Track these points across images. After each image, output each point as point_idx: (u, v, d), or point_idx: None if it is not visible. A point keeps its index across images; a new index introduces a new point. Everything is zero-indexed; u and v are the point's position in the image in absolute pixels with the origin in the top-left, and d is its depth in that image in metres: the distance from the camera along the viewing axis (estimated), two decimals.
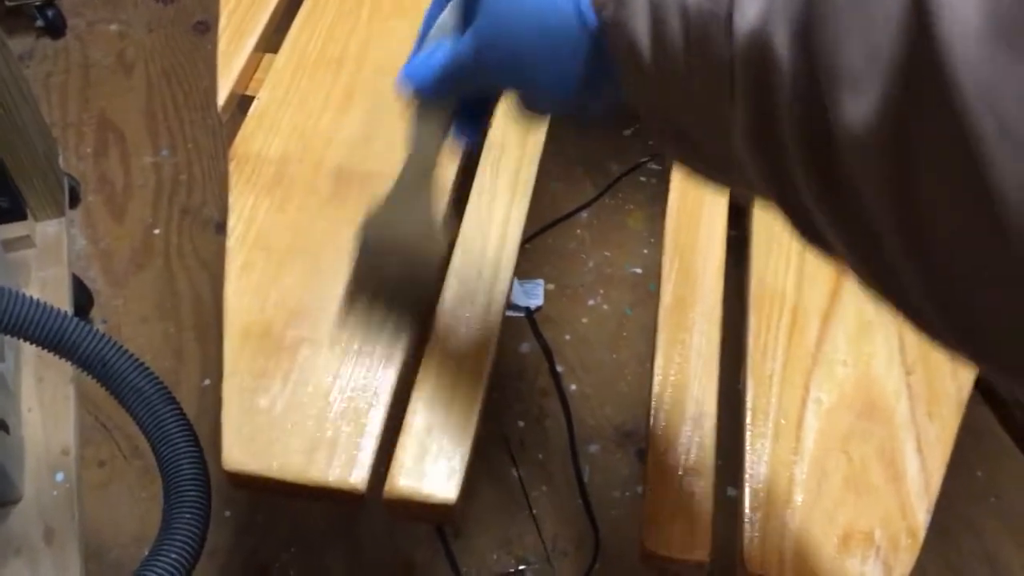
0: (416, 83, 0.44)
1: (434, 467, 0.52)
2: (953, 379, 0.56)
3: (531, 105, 0.41)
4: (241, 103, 0.71)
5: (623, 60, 0.34)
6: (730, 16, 0.29)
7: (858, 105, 0.24)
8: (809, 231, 0.30)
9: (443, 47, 0.43)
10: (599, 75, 0.36)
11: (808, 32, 0.26)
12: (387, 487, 0.52)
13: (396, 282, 0.52)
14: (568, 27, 0.36)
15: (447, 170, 0.65)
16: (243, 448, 0.52)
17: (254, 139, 0.67)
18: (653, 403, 0.56)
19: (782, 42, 0.27)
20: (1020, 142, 0.20)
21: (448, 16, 0.45)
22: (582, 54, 0.36)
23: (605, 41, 0.35)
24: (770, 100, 0.27)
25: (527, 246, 1.21)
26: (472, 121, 0.46)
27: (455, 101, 0.45)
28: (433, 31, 0.45)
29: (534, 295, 1.19)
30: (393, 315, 0.56)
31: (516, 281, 1.17)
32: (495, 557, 1.00)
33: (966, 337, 0.25)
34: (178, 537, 0.61)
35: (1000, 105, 0.21)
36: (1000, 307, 0.23)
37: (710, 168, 0.35)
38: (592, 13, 0.35)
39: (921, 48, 0.22)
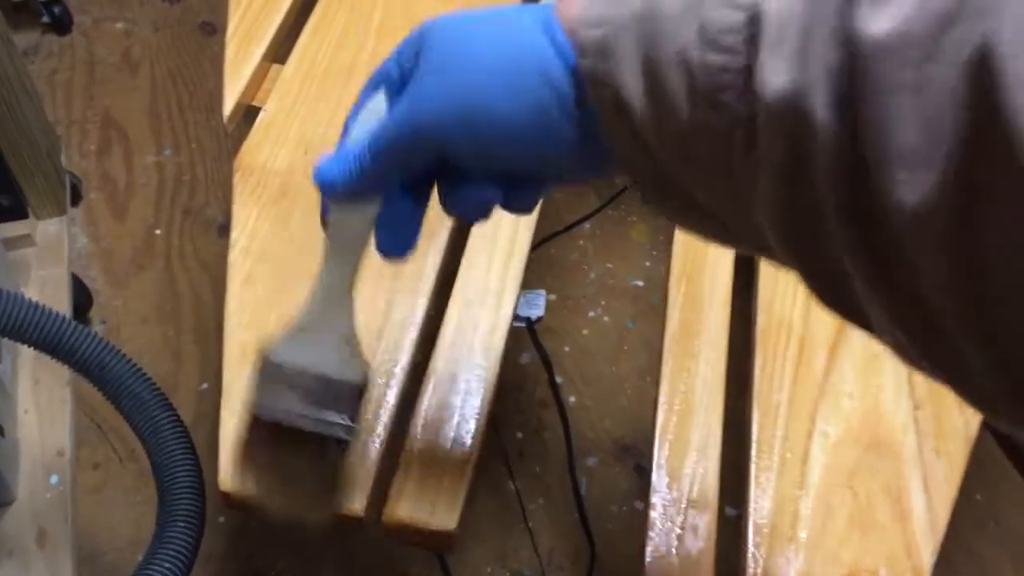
0: (333, 179, 0.37)
1: (434, 494, 0.51)
2: (961, 414, 0.55)
3: (475, 193, 0.35)
4: (248, 113, 0.70)
5: (608, 115, 0.31)
6: (748, 70, 0.27)
7: (917, 183, 0.23)
8: (843, 301, 0.28)
9: (364, 129, 0.37)
10: (590, 129, 0.32)
11: (854, 103, 0.24)
12: (386, 513, 0.51)
13: (314, 421, 0.42)
14: (546, 66, 0.32)
15: None
16: (240, 470, 0.51)
17: (260, 150, 0.66)
18: (657, 432, 0.55)
19: (822, 110, 0.25)
20: None
21: (369, 108, 0.38)
22: (569, 99, 0.32)
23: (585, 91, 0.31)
24: (807, 169, 0.26)
25: (529, 255, 1.20)
26: (402, 227, 0.38)
27: (379, 204, 0.38)
28: (354, 126, 0.38)
29: (535, 305, 1.18)
30: (305, 455, 0.44)
31: None
32: (490, 570, 0.99)
33: None
34: (171, 547, 0.60)
35: None
36: None
37: (714, 229, 0.33)
38: (571, 53, 0.31)
39: (989, 123, 0.21)
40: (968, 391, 0.26)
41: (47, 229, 1.04)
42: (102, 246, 1.21)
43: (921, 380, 0.56)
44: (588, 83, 0.31)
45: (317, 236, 0.64)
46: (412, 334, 0.58)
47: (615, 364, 1.15)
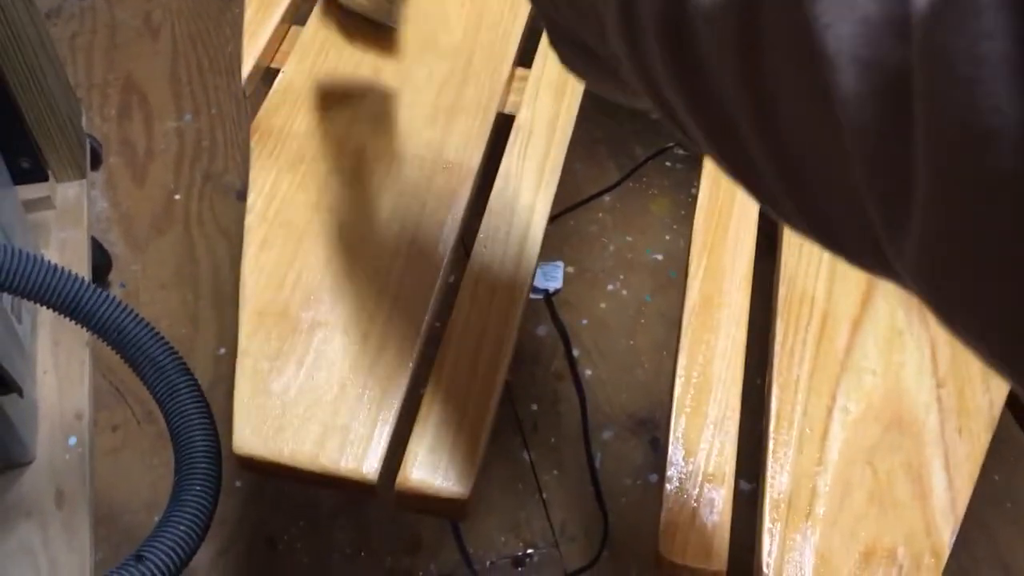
0: None
1: (449, 460, 0.51)
2: (985, 393, 0.54)
3: None
4: (266, 76, 0.70)
5: None
6: None
7: None
8: (678, 127, 0.30)
9: None
10: None
11: None
12: (399, 479, 0.51)
13: None
14: None
15: (472, 155, 0.64)
16: (254, 432, 0.51)
17: (278, 113, 0.66)
18: (674, 405, 0.55)
19: None
20: (857, 18, 0.20)
21: None
22: None
23: None
24: None
25: (548, 227, 1.20)
26: None
27: None
28: None
29: (553, 277, 1.18)
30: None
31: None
32: (503, 540, 0.99)
33: (815, 225, 0.26)
34: (188, 510, 0.60)
35: None
36: (838, 194, 0.23)
37: (604, 75, 0.35)
38: None
39: None
40: (781, 215, 0.27)
41: (67, 192, 1.04)
42: (121, 210, 1.21)
43: (945, 358, 0.56)
44: None
45: (334, 201, 0.63)
46: (429, 301, 0.57)
47: (632, 338, 1.14)
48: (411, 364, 0.55)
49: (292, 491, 1.00)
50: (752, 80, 0.24)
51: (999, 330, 0.20)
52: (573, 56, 0.35)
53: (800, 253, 0.60)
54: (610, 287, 1.18)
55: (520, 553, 0.99)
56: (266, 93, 0.68)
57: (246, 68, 0.68)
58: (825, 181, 0.24)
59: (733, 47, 0.24)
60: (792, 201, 0.26)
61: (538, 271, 1.19)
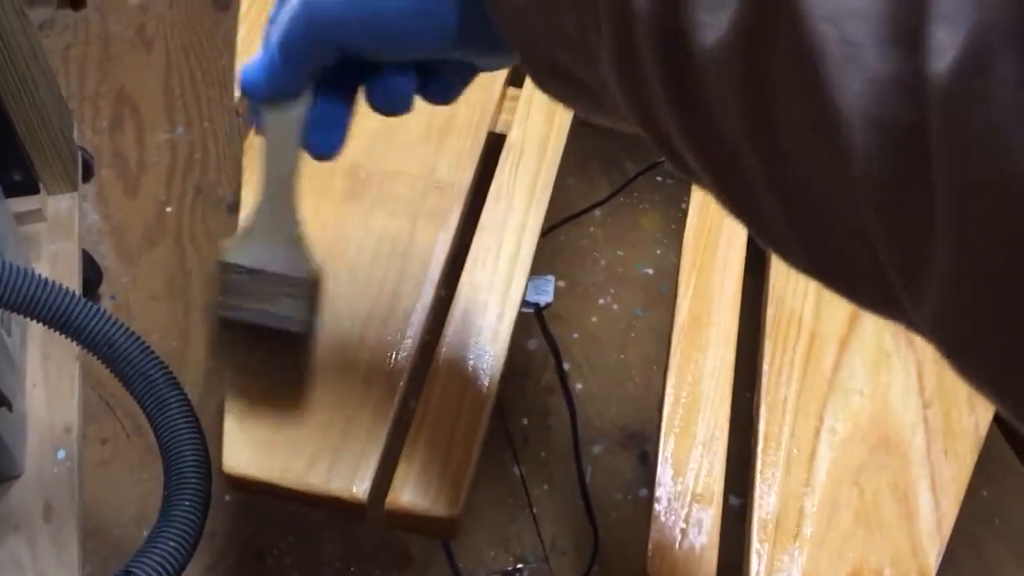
0: (250, 81, 0.38)
1: (439, 480, 0.51)
2: (971, 415, 0.55)
3: (386, 80, 0.37)
4: None
5: None
6: None
7: (713, 22, 0.24)
8: (675, 159, 0.29)
9: (275, 30, 0.37)
10: (470, 13, 0.33)
11: None
12: (389, 499, 0.51)
13: (270, 315, 0.46)
14: None
15: (464, 174, 0.64)
16: (244, 452, 0.51)
17: None
18: (663, 424, 0.55)
19: None
20: (859, 55, 0.21)
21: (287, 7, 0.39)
22: None
23: None
24: (629, 20, 0.27)
25: (539, 242, 1.20)
26: (327, 128, 0.40)
27: (307, 102, 0.39)
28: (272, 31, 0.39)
29: (544, 291, 1.18)
30: (272, 352, 0.48)
31: None
32: (492, 555, 1.00)
33: (826, 271, 0.25)
34: (176, 525, 0.60)
35: (842, 19, 0.21)
36: (852, 243, 0.23)
37: (589, 104, 0.34)
38: None
39: None
40: (784, 254, 0.27)
41: (58, 205, 1.04)
42: (113, 223, 1.21)
43: (931, 378, 0.56)
44: None
45: (325, 220, 0.64)
46: (420, 318, 0.58)
47: (623, 352, 1.14)
48: (402, 382, 0.55)
49: (282, 506, 1.00)
50: (761, 127, 0.24)
51: None
52: (558, 86, 0.34)
53: (788, 273, 0.61)
54: (601, 301, 1.18)
55: (510, 568, 0.99)
56: None
57: (239, 88, 0.68)
58: (838, 229, 0.24)
59: (740, 92, 0.24)
60: (801, 246, 0.26)
61: (529, 285, 1.19)
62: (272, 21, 0.38)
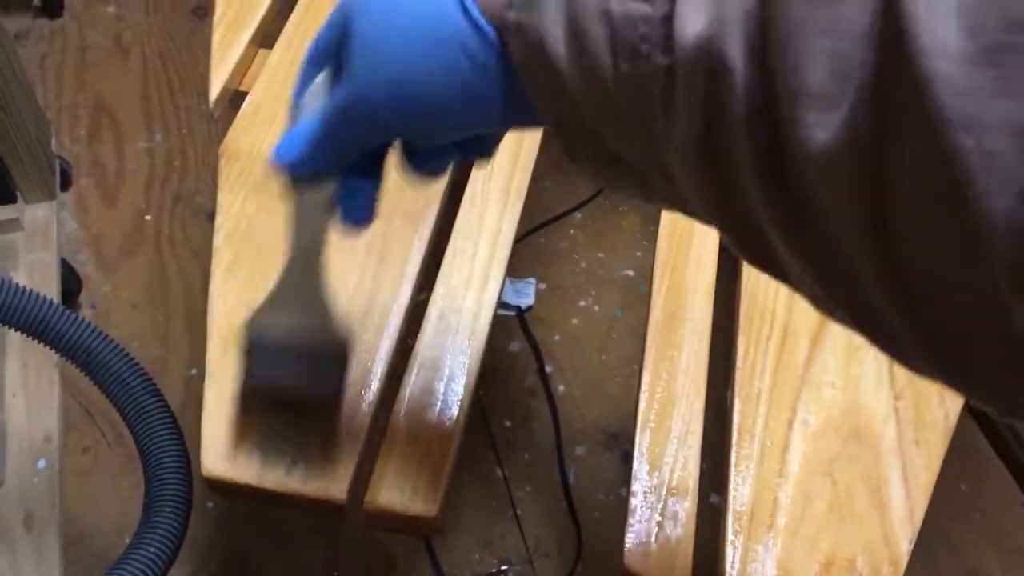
0: (288, 161, 0.38)
1: (416, 479, 0.51)
2: (940, 405, 0.55)
3: (428, 152, 0.36)
4: (234, 99, 0.70)
5: (532, 69, 0.31)
6: (668, 19, 0.27)
7: (824, 122, 0.23)
8: (761, 255, 0.28)
9: (314, 112, 0.37)
10: (514, 92, 0.32)
11: (765, 45, 0.25)
12: (367, 498, 0.51)
13: (297, 392, 0.45)
14: (462, 36, 0.32)
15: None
16: (222, 454, 0.52)
17: (246, 135, 0.66)
18: (639, 419, 0.56)
19: (736, 54, 0.25)
20: (1004, 167, 0.20)
21: (318, 84, 0.39)
22: (491, 67, 0.32)
23: (507, 49, 0.31)
24: (721, 114, 0.26)
25: (519, 245, 1.20)
26: (359, 200, 0.39)
27: (336, 178, 0.39)
28: (304, 103, 0.39)
29: (525, 294, 1.18)
30: (299, 428, 0.49)
31: (507, 280, 1.17)
32: (477, 557, 1.00)
33: (947, 368, 0.25)
34: (158, 532, 0.60)
35: (984, 130, 0.20)
36: (981, 338, 0.23)
37: (635, 185, 0.33)
38: (484, 18, 0.31)
39: (896, 69, 0.21)
40: (882, 339, 0.26)
41: (36, 214, 1.04)
42: (92, 231, 1.21)
43: (901, 371, 0.57)
44: (512, 39, 0.31)
45: None
46: (397, 319, 0.58)
47: (604, 353, 1.15)
48: (378, 383, 0.55)
49: (265, 511, 1.00)
50: (875, 228, 0.23)
51: None
52: (596, 164, 0.33)
53: None
54: (582, 303, 1.19)
55: (494, 570, 0.99)
56: (234, 115, 0.68)
57: (214, 91, 0.68)
58: (964, 319, 0.23)
59: (851, 193, 0.23)
60: (915, 342, 0.24)
61: (510, 288, 1.20)
62: (299, 93, 0.39)
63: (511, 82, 0.32)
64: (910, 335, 0.24)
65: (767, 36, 0.25)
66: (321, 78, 0.38)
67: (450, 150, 0.37)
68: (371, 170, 0.39)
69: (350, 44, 0.34)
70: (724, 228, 0.29)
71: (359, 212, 0.39)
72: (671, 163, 0.29)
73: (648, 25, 0.27)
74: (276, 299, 0.44)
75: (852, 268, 0.25)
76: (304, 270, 0.43)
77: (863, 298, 0.25)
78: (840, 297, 0.26)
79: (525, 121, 0.34)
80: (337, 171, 0.38)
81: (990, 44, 0.20)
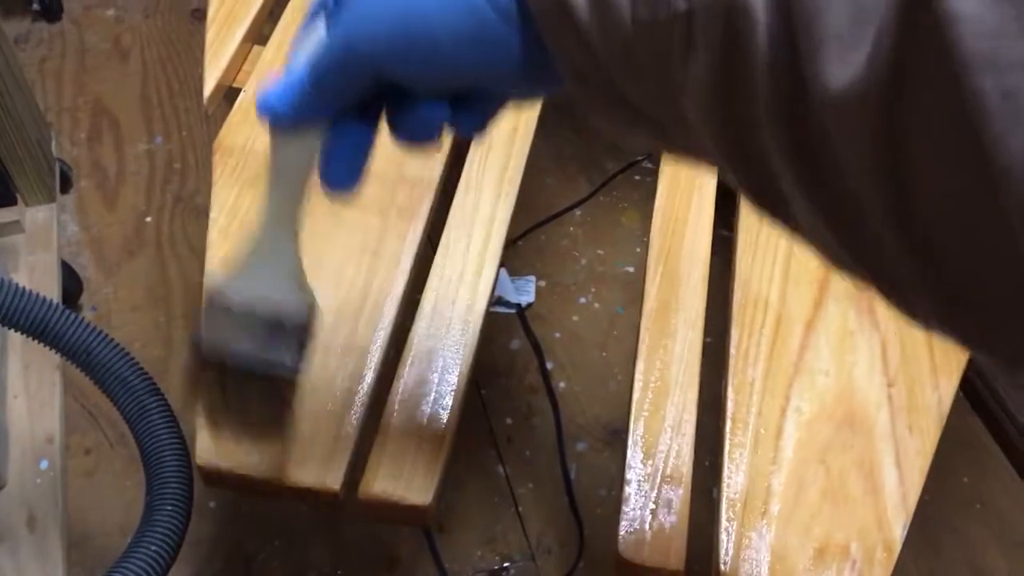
0: (272, 108, 0.35)
1: (411, 469, 0.52)
2: (934, 392, 0.55)
3: (417, 110, 0.33)
4: (228, 95, 0.70)
5: (550, 16, 0.30)
6: None
7: (843, 65, 0.23)
8: (772, 202, 0.28)
9: (305, 55, 0.34)
10: (532, 43, 0.31)
11: None
12: (362, 488, 0.51)
13: (261, 361, 0.43)
14: None
15: (433, 169, 0.65)
16: (217, 445, 0.52)
17: (240, 131, 0.67)
18: (633, 408, 0.56)
19: None
20: (1021, 107, 0.20)
21: (314, 30, 0.35)
22: (512, 14, 0.31)
23: None
24: (740, 59, 0.26)
25: (519, 243, 1.21)
26: (350, 158, 0.36)
27: (324, 131, 0.36)
28: (298, 52, 0.36)
29: (525, 292, 1.19)
30: (263, 388, 0.47)
31: (508, 277, 1.17)
32: (479, 554, 1.00)
33: (956, 315, 0.24)
34: (158, 530, 0.60)
35: (1004, 69, 0.20)
36: (994, 282, 0.22)
37: (651, 135, 0.32)
38: None
39: (917, 9, 0.21)
40: (890, 289, 0.26)
41: (36, 216, 1.04)
42: (93, 233, 1.22)
43: (895, 357, 0.57)
44: None
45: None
46: (391, 310, 0.58)
47: (605, 350, 1.15)
48: (373, 374, 0.56)
49: (267, 510, 1.00)
50: (893, 176, 0.23)
51: None
52: (614, 114, 0.32)
53: (754, 257, 0.61)
54: (582, 300, 1.19)
55: (497, 567, 0.99)
56: (229, 112, 0.68)
57: (208, 88, 0.68)
58: (977, 263, 0.23)
59: (870, 138, 0.23)
60: (925, 289, 0.24)
61: (511, 286, 1.20)
62: (297, 45, 0.36)
63: (530, 31, 0.31)
64: (922, 282, 0.24)
65: None
66: (314, 29, 0.35)
67: (441, 109, 0.34)
68: (362, 128, 0.36)
69: None
70: (736, 171, 0.29)
71: (346, 175, 0.36)
72: (688, 110, 0.29)
73: None
74: (244, 261, 0.42)
75: (866, 213, 0.25)
76: (277, 233, 0.41)
77: (875, 243, 0.25)
78: (850, 243, 0.26)
79: (538, 77, 0.33)
80: (325, 118, 0.35)
81: None
